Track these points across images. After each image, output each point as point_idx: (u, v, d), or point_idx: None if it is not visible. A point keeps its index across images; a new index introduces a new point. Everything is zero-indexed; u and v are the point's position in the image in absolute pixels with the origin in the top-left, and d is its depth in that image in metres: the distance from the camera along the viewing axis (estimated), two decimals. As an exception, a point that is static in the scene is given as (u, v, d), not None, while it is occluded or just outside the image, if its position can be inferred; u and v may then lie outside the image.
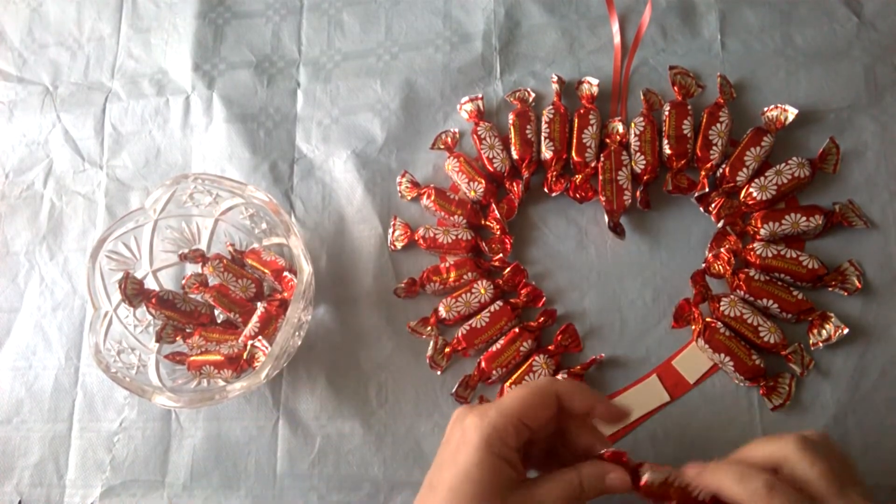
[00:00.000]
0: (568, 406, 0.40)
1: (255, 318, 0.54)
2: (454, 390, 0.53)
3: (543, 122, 0.56)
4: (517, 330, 0.53)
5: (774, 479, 0.35)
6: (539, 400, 0.39)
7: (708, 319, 0.51)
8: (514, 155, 0.56)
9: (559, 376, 0.51)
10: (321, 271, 0.58)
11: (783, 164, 0.52)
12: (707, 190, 0.52)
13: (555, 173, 0.55)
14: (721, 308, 0.51)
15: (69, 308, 0.61)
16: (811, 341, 0.50)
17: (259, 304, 0.55)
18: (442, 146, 0.58)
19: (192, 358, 0.54)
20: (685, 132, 0.54)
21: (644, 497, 0.39)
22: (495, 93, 0.59)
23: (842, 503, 0.34)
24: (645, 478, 0.38)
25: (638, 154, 0.54)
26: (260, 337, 0.53)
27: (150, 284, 0.57)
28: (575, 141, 0.55)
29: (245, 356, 0.52)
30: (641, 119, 0.55)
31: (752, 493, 0.35)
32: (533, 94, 0.58)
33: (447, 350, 0.54)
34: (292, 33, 0.64)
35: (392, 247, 0.57)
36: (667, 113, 0.55)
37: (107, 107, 0.66)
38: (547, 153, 0.55)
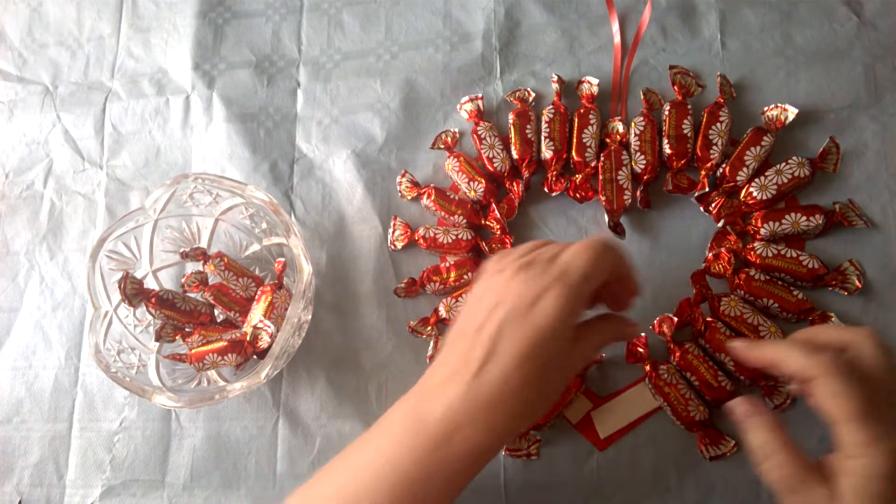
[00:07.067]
0: (614, 274, 0.39)
1: (256, 304, 0.54)
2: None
3: (543, 122, 0.56)
4: (517, 330, 0.53)
5: (849, 357, 0.33)
6: (609, 264, 0.38)
7: (708, 319, 0.51)
8: (514, 155, 0.56)
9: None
10: (321, 271, 0.58)
11: (783, 164, 0.52)
12: (707, 190, 0.52)
13: (555, 173, 0.55)
14: (721, 308, 0.50)
15: (69, 308, 0.61)
16: (811, 341, 0.50)
17: (259, 288, 0.55)
18: (442, 146, 0.58)
19: (194, 350, 0.53)
20: (685, 132, 0.54)
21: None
22: (495, 93, 0.59)
23: None
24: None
25: (638, 154, 0.54)
26: (262, 318, 0.53)
27: (150, 284, 0.57)
28: (575, 141, 0.55)
29: (248, 339, 0.52)
30: (641, 119, 0.55)
31: (823, 365, 0.32)
32: (533, 94, 0.58)
33: (447, 350, 0.54)
34: (292, 33, 0.64)
35: (392, 247, 0.57)
36: (667, 112, 0.55)
37: (107, 106, 0.66)
38: (547, 153, 0.55)
